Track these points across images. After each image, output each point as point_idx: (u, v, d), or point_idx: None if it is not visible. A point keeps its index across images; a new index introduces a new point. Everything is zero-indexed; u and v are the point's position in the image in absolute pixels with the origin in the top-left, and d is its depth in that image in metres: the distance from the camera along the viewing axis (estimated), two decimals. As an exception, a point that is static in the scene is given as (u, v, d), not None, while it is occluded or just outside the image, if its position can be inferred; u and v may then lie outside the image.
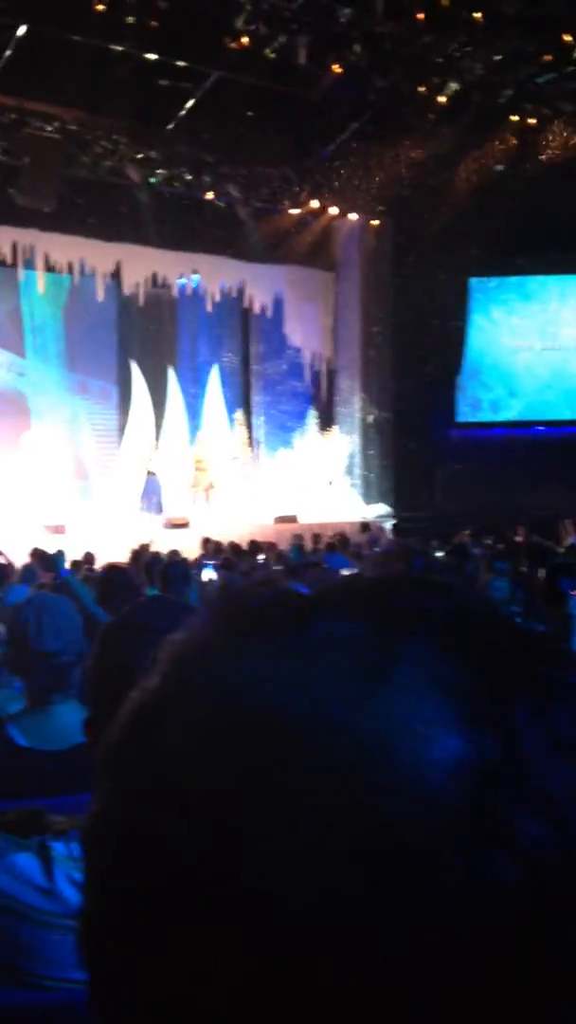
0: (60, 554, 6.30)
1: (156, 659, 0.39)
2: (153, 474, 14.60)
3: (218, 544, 10.93)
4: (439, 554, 7.40)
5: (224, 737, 0.34)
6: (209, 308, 15.58)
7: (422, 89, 10.87)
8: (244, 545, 11.05)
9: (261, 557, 9.25)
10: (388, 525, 13.37)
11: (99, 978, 0.37)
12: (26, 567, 8.87)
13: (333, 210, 13.59)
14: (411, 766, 0.32)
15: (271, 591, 0.40)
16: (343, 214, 13.84)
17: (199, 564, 8.76)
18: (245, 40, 8.73)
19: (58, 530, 12.45)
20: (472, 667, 0.35)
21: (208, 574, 7.78)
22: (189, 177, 12.54)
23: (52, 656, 2.26)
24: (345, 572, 4.92)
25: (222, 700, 0.35)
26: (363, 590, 0.39)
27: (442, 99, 11.30)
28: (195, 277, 15.25)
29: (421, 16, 9.33)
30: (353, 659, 0.35)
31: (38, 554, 9.72)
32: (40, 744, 2.29)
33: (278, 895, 0.32)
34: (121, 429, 16.32)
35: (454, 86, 11.07)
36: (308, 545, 11.27)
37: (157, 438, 16.24)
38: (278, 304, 15.76)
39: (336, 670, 0.34)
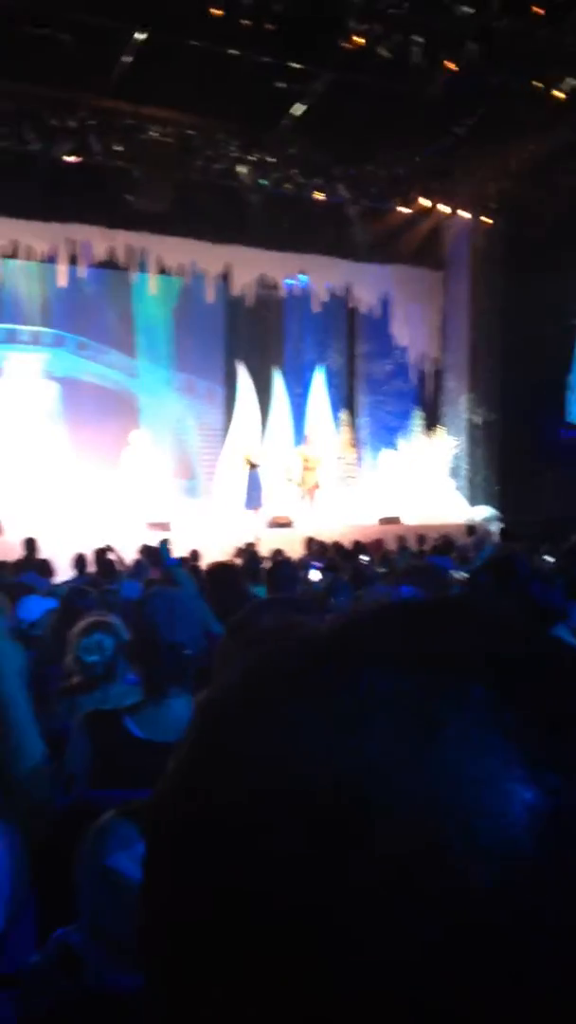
0: (164, 543, 6.37)
1: (191, 722, 0.37)
2: (256, 467, 14.69)
3: (322, 544, 10.95)
4: (548, 559, 7.22)
5: (275, 814, 0.32)
6: (316, 308, 15.62)
7: (538, 85, 10.65)
8: (348, 546, 11.04)
9: (365, 558, 9.21)
10: (495, 528, 13.14)
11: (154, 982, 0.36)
12: (136, 563, 9.10)
13: (444, 208, 13.44)
14: (480, 823, 0.30)
15: (304, 643, 0.36)
16: (454, 212, 13.68)
17: (303, 564, 8.80)
18: (359, 40, 8.72)
19: (164, 527, 12.70)
20: (532, 709, 0.32)
21: (314, 575, 7.80)
22: (299, 178, 12.61)
23: (178, 648, 2.32)
24: (455, 576, 4.87)
25: (269, 775, 0.32)
26: (407, 628, 0.36)
27: (559, 95, 11.05)
28: (302, 277, 15.33)
29: (538, 10, 9.14)
30: (403, 715, 0.32)
31: (147, 550, 9.96)
32: (156, 736, 2.34)
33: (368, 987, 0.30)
34: (226, 429, 16.54)
35: (572, 81, 10.81)
36: (412, 547, 11.19)
37: (261, 438, 16.40)
38: (385, 304, 15.69)
39: (387, 730, 0.32)
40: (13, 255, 13.43)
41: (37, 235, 13.25)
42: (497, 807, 0.30)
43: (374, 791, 0.31)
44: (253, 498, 14.59)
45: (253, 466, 14.76)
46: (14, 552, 9.79)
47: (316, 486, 15.03)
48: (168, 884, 0.34)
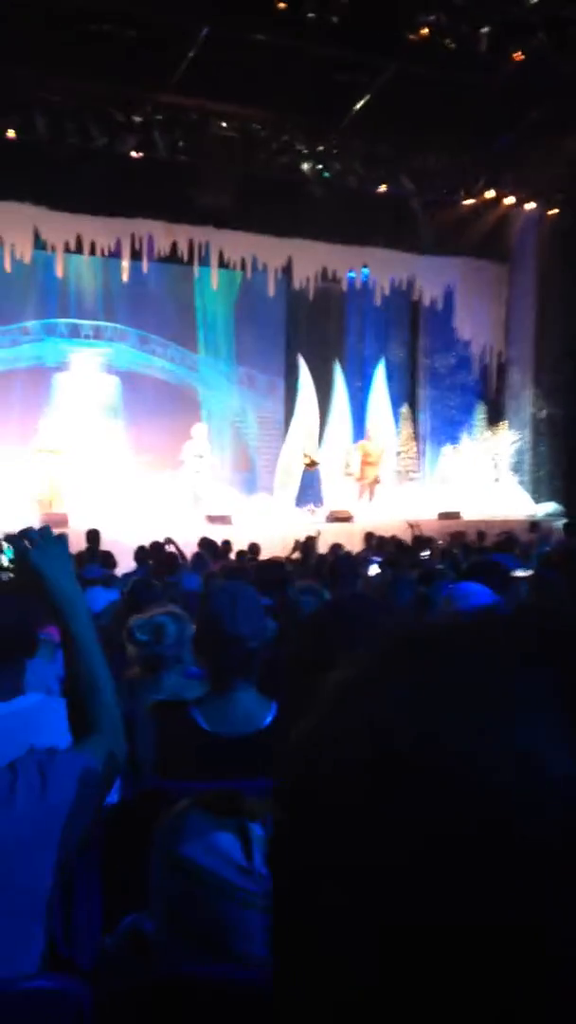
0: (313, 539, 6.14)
1: (324, 687, 0.43)
2: (314, 465, 14.68)
3: (381, 539, 10.91)
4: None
5: (368, 773, 0.37)
6: (378, 301, 15.54)
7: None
8: (408, 541, 10.98)
9: (425, 554, 9.15)
10: (559, 524, 12.94)
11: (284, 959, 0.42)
12: (196, 556, 9.17)
13: (509, 200, 13.24)
14: (538, 786, 0.35)
15: (413, 630, 0.43)
16: (520, 204, 13.47)
17: (363, 559, 8.78)
18: (424, 31, 8.63)
19: (224, 521, 12.78)
20: None
21: (373, 569, 7.78)
22: (363, 171, 12.54)
23: (244, 640, 2.33)
24: (519, 573, 4.81)
25: (373, 740, 0.38)
26: (487, 625, 0.42)
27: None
28: (365, 270, 15.25)
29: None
30: (479, 693, 0.38)
31: (206, 543, 10.04)
32: (221, 729, 2.36)
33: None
34: (286, 422, 16.57)
35: None
36: (472, 542, 11.07)
37: (321, 431, 16.39)
38: (448, 297, 15.54)
39: (466, 706, 0.38)
40: (77, 250, 13.61)
41: (101, 230, 13.41)
42: (548, 771, 0.36)
43: (522, 780, 0.36)
44: (307, 496, 14.56)
45: (311, 465, 14.73)
46: (78, 543, 9.94)
47: (376, 480, 14.97)
48: (310, 850, 0.39)
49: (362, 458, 15.00)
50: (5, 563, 1.53)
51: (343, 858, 0.37)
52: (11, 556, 1.53)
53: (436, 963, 0.35)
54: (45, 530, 1.60)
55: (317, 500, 14.46)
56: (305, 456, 14.81)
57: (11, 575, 1.51)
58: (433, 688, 0.39)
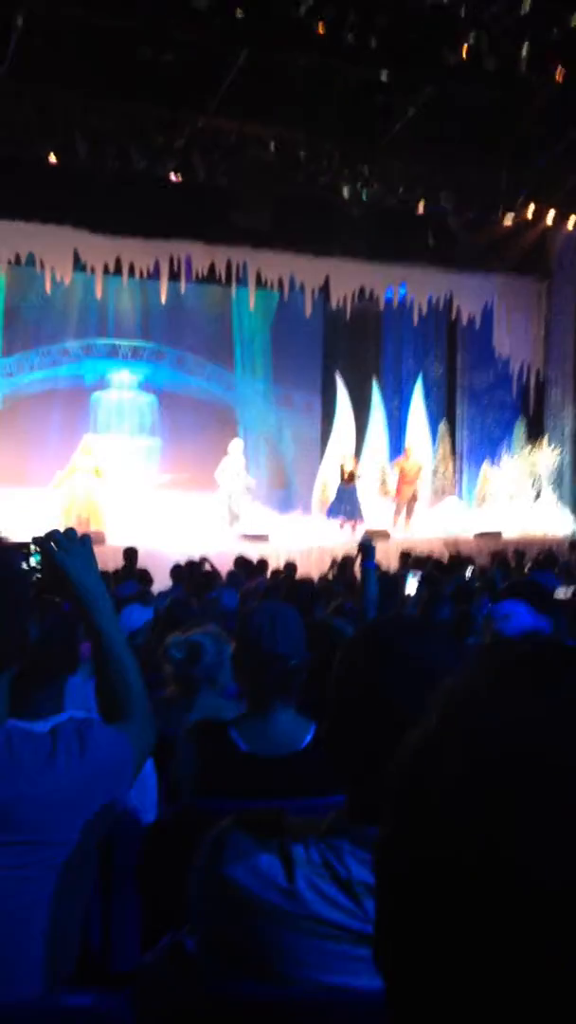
0: (370, 542, 6.09)
1: (433, 701, 0.46)
2: (352, 480, 14.62)
3: (419, 558, 10.86)
4: None
5: (495, 774, 0.40)
6: (415, 320, 15.54)
7: None
8: (444, 559, 10.92)
9: (467, 572, 9.08)
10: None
11: (398, 982, 0.43)
12: (231, 574, 9.19)
13: (549, 217, 13.18)
14: None
15: (530, 646, 0.46)
16: (561, 221, 13.40)
17: (399, 577, 8.74)
18: (464, 51, 8.65)
19: (261, 539, 12.80)
20: None
21: (411, 587, 7.74)
22: (401, 190, 12.56)
23: (283, 659, 2.32)
24: (560, 593, 4.75)
25: (493, 743, 0.41)
26: None
27: None
28: (402, 289, 15.27)
29: None
30: None
31: (242, 562, 10.05)
32: (260, 749, 2.35)
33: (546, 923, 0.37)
34: (323, 440, 16.59)
35: None
36: (511, 560, 10.97)
37: (358, 449, 16.38)
38: (487, 314, 15.49)
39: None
40: (116, 272, 13.79)
41: (139, 252, 13.57)
42: None
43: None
44: (340, 510, 14.47)
45: (350, 480, 14.67)
46: (115, 561, 10.01)
47: (414, 498, 14.90)
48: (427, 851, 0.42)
49: (399, 476, 14.95)
50: (34, 564, 1.59)
51: (458, 875, 0.39)
52: (39, 559, 1.60)
53: (546, 963, 0.37)
54: (69, 531, 1.67)
55: (355, 514, 14.37)
56: (344, 470, 14.75)
57: (39, 576, 1.58)
58: (544, 706, 0.41)
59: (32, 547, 1.59)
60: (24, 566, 1.55)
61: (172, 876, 2.12)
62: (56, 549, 1.61)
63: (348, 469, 14.72)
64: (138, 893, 2.38)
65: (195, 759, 2.35)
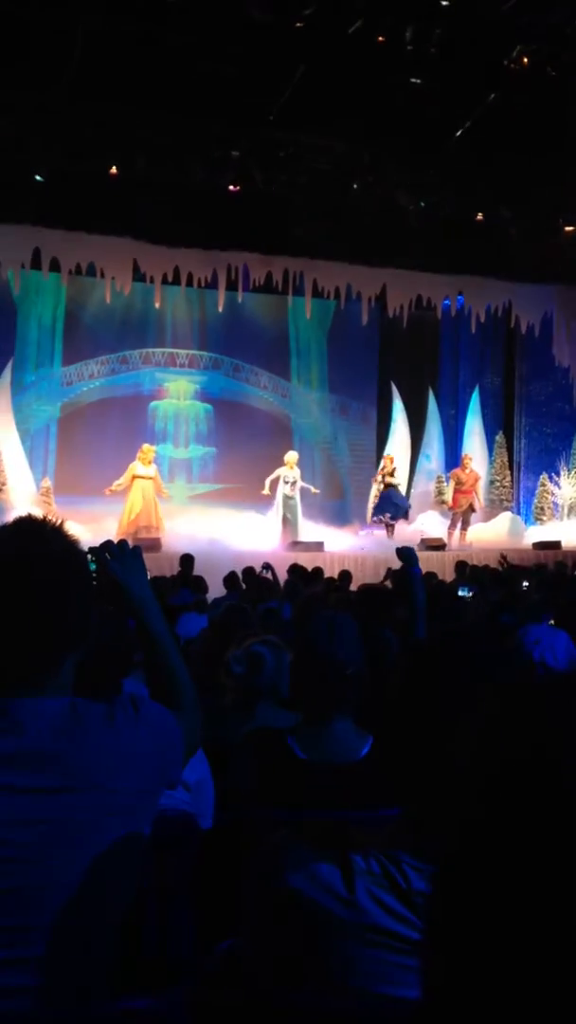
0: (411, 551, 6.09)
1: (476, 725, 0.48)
2: (393, 487, 14.48)
3: (474, 568, 10.75)
4: None
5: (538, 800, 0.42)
6: (473, 329, 15.43)
7: None
8: (501, 570, 10.79)
9: (525, 584, 8.96)
10: None
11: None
12: (287, 583, 9.20)
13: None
14: None
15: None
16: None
17: (454, 588, 8.67)
18: (525, 60, 8.60)
19: (316, 548, 12.80)
20: None
21: (464, 598, 7.66)
22: (459, 199, 12.51)
23: (340, 668, 2.33)
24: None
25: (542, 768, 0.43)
26: None
27: None
28: (460, 298, 15.18)
29: None
30: None
31: (297, 570, 10.06)
32: (317, 758, 2.35)
33: None
34: (378, 449, 16.55)
35: None
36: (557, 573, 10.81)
37: (414, 459, 16.30)
38: (546, 324, 15.32)
39: None
40: (174, 282, 13.95)
41: (197, 262, 13.71)
42: None
43: None
44: (385, 507, 14.36)
45: (388, 485, 14.53)
46: (171, 568, 10.10)
47: (471, 509, 14.75)
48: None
49: (455, 486, 14.82)
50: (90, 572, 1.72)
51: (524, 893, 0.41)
52: (94, 567, 1.71)
53: None
54: (122, 543, 1.83)
55: (398, 514, 14.23)
56: (383, 474, 14.61)
57: (94, 583, 1.70)
58: None
59: (88, 556, 1.68)
60: None
61: (227, 882, 2.13)
62: (109, 559, 1.75)
63: (387, 470, 14.57)
64: (195, 899, 2.40)
65: (253, 767, 2.36)
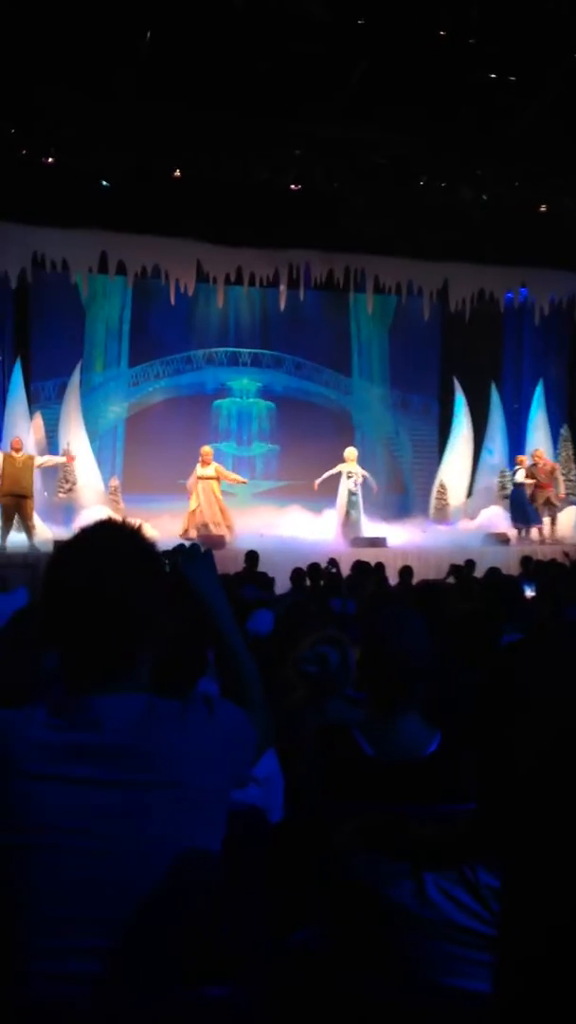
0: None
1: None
2: (522, 484, 14.23)
3: (540, 563, 10.63)
4: None
5: None
6: (537, 322, 15.22)
7: None
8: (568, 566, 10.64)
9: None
10: None
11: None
12: (350, 579, 9.23)
13: None
14: None
15: None
16: None
17: (519, 584, 8.58)
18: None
19: (378, 543, 12.78)
20: None
21: (529, 594, 7.59)
22: (522, 191, 12.36)
23: (406, 663, 2.35)
24: None
25: None
26: None
27: None
28: (523, 290, 14.98)
29: None
30: None
31: (360, 566, 10.07)
32: (384, 754, 2.37)
33: None
34: (440, 444, 16.43)
35: None
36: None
37: (476, 453, 16.15)
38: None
39: None
40: (237, 281, 14.04)
41: (260, 261, 13.78)
42: None
43: None
44: (519, 516, 14.15)
45: (521, 484, 14.29)
46: (236, 564, 10.20)
47: (547, 502, 14.37)
48: None
49: (533, 480, 14.39)
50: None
51: None
52: (167, 570, 1.77)
53: None
54: (195, 546, 1.95)
55: (533, 519, 14.03)
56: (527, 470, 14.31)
57: (168, 585, 1.77)
58: None
59: (162, 558, 1.74)
60: None
61: (297, 875, 2.18)
62: (182, 562, 1.81)
63: (525, 468, 14.30)
64: (265, 892, 2.45)
65: (321, 762, 2.40)
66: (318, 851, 1.63)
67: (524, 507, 14.04)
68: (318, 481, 13.47)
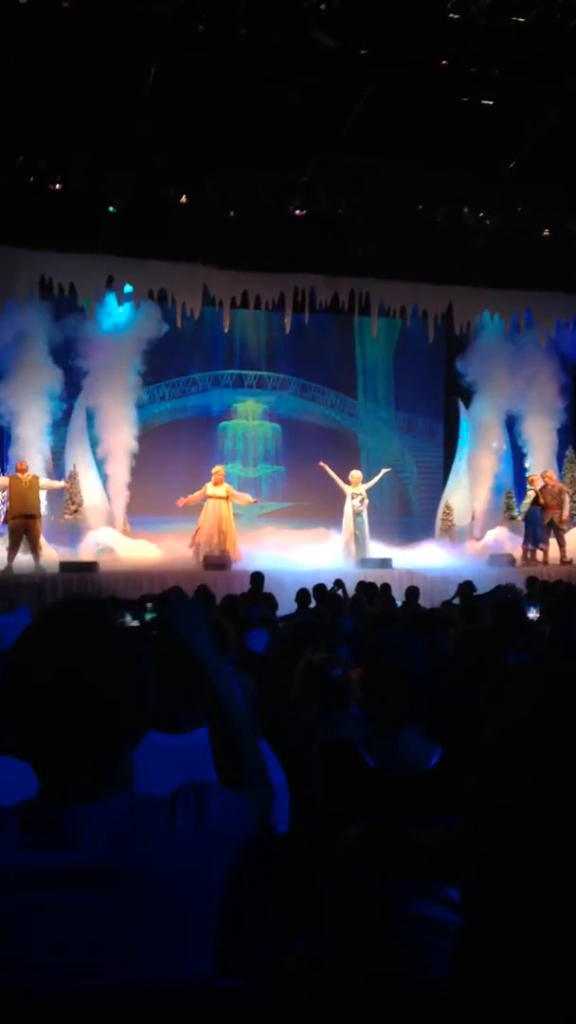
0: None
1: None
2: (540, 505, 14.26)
3: (545, 584, 10.65)
4: None
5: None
6: (543, 344, 15.32)
7: None
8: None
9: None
10: None
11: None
12: (354, 599, 9.26)
13: None
14: None
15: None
16: None
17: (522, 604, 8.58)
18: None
19: (383, 565, 12.81)
20: None
21: (532, 616, 7.61)
22: (526, 216, 12.48)
23: (407, 679, 2.40)
24: None
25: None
26: None
27: None
28: (528, 313, 15.10)
29: None
30: None
31: (365, 587, 10.11)
32: (387, 768, 2.42)
33: None
34: (445, 466, 16.50)
35: None
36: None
37: (480, 473, 16.20)
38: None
39: None
40: (243, 305, 14.17)
41: (264, 285, 13.92)
42: None
43: None
44: (531, 537, 14.16)
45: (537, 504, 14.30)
46: (242, 585, 10.24)
47: (558, 524, 14.36)
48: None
49: (540, 501, 14.38)
50: (148, 620, 1.69)
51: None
52: (152, 616, 1.67)
53: None
54: (180, 593, 1.76)
55: (538, 539, 14.05)
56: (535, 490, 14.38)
57: (155, 633, 1.67)
58: None
59: (148, 605, 1.68)
60: (135, 623, 1.63)
61: (302, 887, 2.21)
62: (167, 609, 1.67)
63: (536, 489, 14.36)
64: (270, 904, 2.48)
65: (325, 776, 2.45)
66: (323, 860, 1.66)
67: (537, 528, 14.06)
68: (345, 502, 13.52)
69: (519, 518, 14.83)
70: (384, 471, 13.90)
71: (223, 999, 1.30)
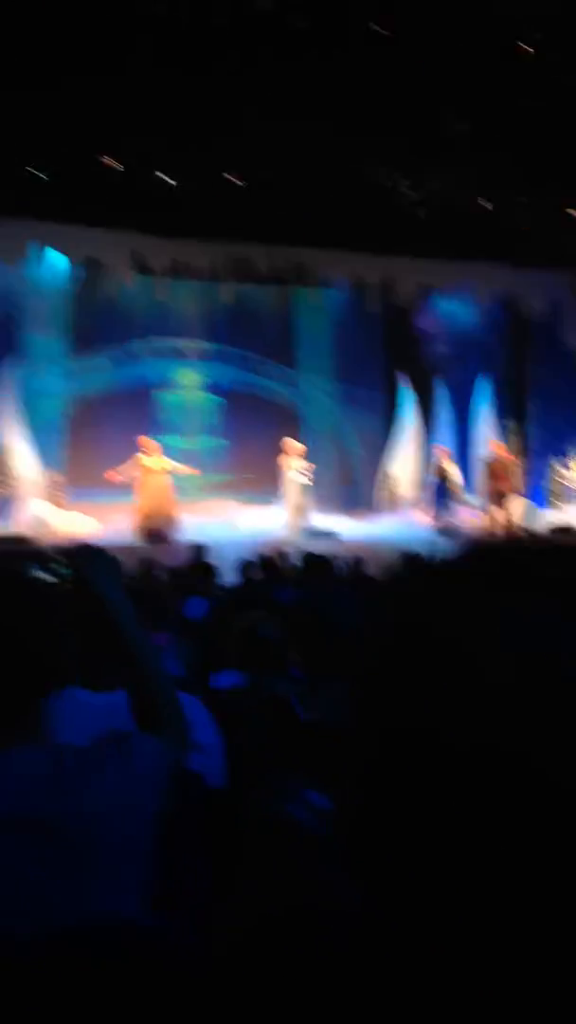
0: None
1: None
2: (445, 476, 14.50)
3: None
4: None
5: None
6: (481, 315, 15.44)
7: None
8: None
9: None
10: None
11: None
12: (298, 569, 9.28)
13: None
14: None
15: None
16: None
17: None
18: (526, 49, 8.62)
19: (327, 536, 12.87)
20: None
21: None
22: (465, 186, 12.53)
23: (335, 631, 2.42)
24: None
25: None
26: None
27: None
28: (466, 284, 15.18)
29: None
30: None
31: (309, 558, 10.14)
32: (318, 719, 2.45)
33: None
34: (386, 436, 16.58)
35: None
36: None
37: (424, 445, 16.33)
38: (556, 309, 15.30)
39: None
40: (178, 274, 13.98)
41: (200, 254, 13.76)
42: None
43: None
44: (442, 506, 14.38)
45: (443, 475, 14.52)
46: (183, 555, 10.19)
47: (503, 494, 14.47)
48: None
49: (492, 473, 14.53)
50: (63, 575, 1.66)
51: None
52: (67, 572, 1.66)
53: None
54: (96, 547, 1.78)
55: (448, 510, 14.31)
56: (438, 467, 14.61)
57: (69, 587, 1.64)
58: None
59: (62, 559, 1.66)
60: (48, 577, 1.60)
61: (235, 841, 2.23)
62: (82, 563, 1.68)
63: (441, 465, 14.56)
64: (204, 857, 2.49)
65: (258, 728, 2.46)
66: (254, 815, 1.68)
67: (444, 498, 14.33)
68: (286, 473, 13.56)
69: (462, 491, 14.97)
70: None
71: (141, 940, 1.30)
